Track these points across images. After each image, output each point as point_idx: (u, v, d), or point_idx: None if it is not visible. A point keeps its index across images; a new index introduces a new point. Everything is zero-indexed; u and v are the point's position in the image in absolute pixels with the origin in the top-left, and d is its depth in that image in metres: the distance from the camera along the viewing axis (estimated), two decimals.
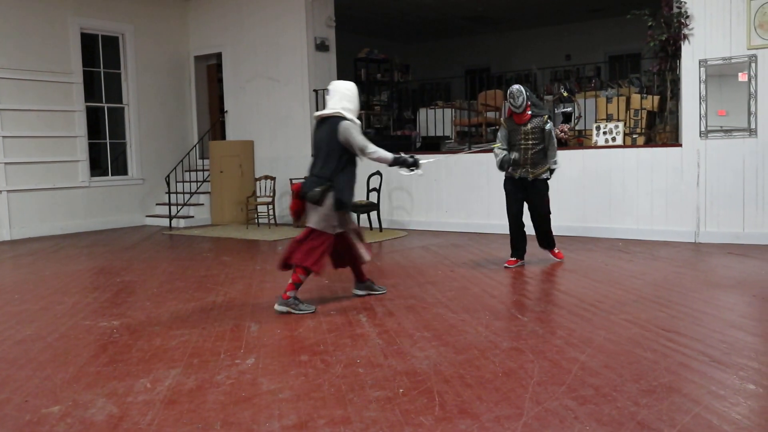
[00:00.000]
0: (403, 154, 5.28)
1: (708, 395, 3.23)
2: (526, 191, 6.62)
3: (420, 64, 16.99)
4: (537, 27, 16.09)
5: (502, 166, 6.56)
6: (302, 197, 5.11)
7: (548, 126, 6.46)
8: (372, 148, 5.04)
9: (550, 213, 6.78)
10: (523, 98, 6.41)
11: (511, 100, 6.47)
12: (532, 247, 7.01)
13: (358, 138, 4.99)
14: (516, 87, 6.46)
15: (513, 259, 6.76)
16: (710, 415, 2.99)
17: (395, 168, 5.32)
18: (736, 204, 7.82)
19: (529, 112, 6.48)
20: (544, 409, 3.11)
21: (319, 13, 11.33)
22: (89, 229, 11.03)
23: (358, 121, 5.13)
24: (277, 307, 5.11)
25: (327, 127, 5.08)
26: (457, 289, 5.85)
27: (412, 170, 5.29)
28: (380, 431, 2.92)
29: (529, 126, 6.46)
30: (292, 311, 5.06)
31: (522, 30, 16.34)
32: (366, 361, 3.88)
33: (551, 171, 6.61)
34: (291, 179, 10.82)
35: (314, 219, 5.08)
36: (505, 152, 6.56)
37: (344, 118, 5.03)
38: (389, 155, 5.17)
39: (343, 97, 5.13)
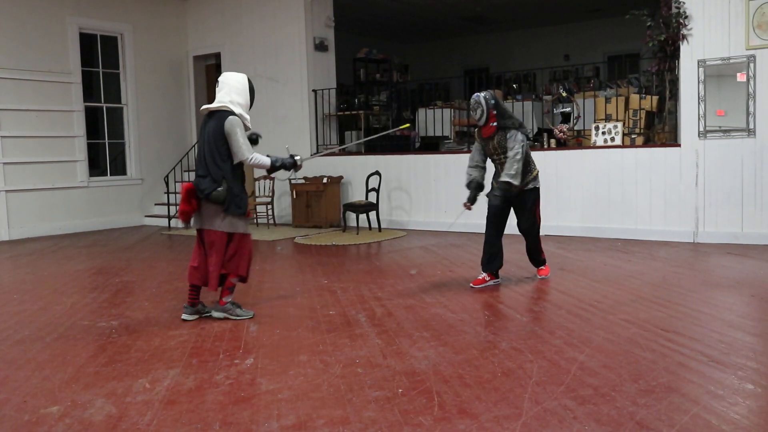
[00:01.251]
0: (279, 157, 4.98)
1: (706, 395, 3.23)
2: (512, 201, 5.93)
3: (419, 64, 17.01)
4: (536, 27, 16.10)
5: (468, 185, 5.93)
6: (204, 198, 4.76)
7: (509, 134, 5.67)
8: (251, 154, 4.75)
9: (536, 227, 6.04)
10: (482, 110, 5.65)
11: (472, 113, 5.80)
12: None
13: (240, 140, 4.70)
14: (474, 97, 5.73)
15: (481, 276, 5.94)
16: (709, 415, 2.99)
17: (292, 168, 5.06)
18: (735, 204, 7.83)
19: (494, 124, 5.69)
20: (543, 408, 3.11)
21: (318, 13, 11.33)
22: (88, 229, 11.02)
23: (247, 116, 4.83)
24: (214, 313, 4.97)
25: (214, 122, 4.77)
26: (455, 289, 5.85)
27: (293, 171, 5.09)
28: (379, 431, 2.93)
29: (495, 140, 5.74)
30: (230, 317, 4.93)
31: (521, 30, 16.35)
32: (365, 361, 3.88)
33: (502, 188, 5.71)
34: (290, 179, 10.83)
35: (219, 222, 4.83)
36: (473, 173, 5.91)
37: (232, 113, 4.74)
38: (268, 161, 4.87)
39: (232, 90, 4.79)
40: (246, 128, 4.84)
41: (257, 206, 11.06)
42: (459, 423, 2.98)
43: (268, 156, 4.94)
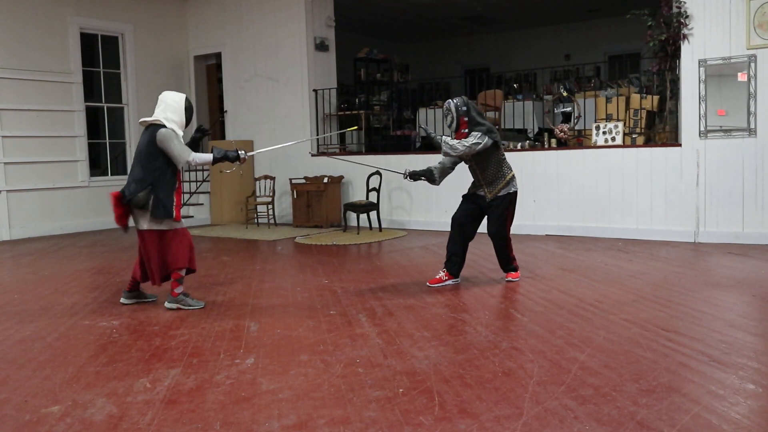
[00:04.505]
0: (223, 150, 5.29)
1: (707, 395, 3.23)
2: (484, 207, 5.87)
3: (419, 63, 17.00)
4: (536, 27, 16.10)
5: (412, 176, 5.91)
6: (127, 203, 5.14)
7: (473, 132, 5.62)
8: (191, 155, 5.10)
9: (504, 232, 5.89)
10: (452, 116, 5.67)
11: (443, 119, 5.86)
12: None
13: (177, 147, 5.06)
14: (446, 104, 5.74)
15: (439, 275, 5.92)
16: (710, 415, 2.99)
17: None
18: (736, 204, 7.83)
19: (465, 131, 5.67)
20: (543, 408, 3.11)
21: (319, 13, 11.33)
22: (89, 229, 11.03)
23: (181, 132, 5.16)
24: (166, 304, 5.27)
25: (147, 134, 5.16)
26: (456, 288, 5.84)
27: (236, 163, 5.41)
28: (380, 431, 2.93)
29: None
30: (183, 307, 5.24)
31: (521, 30, 16.34)
32: (366, 361, 3.88)
33: (439, 144, 5.68)
34: (291, 179, 10.83)
35: (147, 223, 5.19)
36: (436, 166, 5.92)
37: (163, 126, 5.10)
38: (209, 156, 5.24)
39: (167, 108, 5.17)
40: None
41: (258, 206, 11.06)
42: (460, 423, 2.98)
43: (212, 150, 5.34)
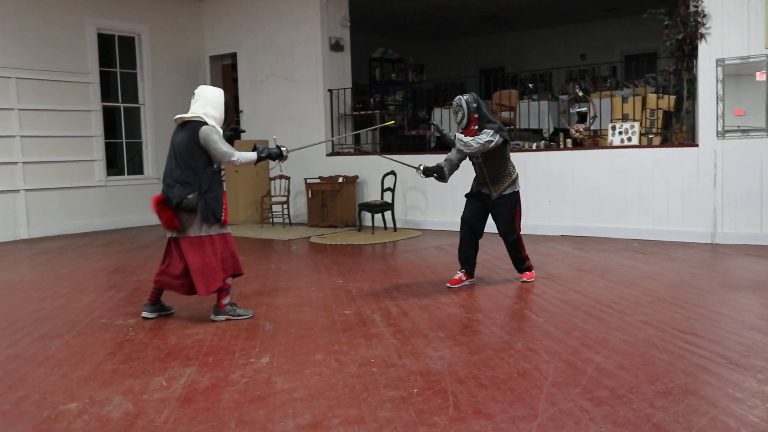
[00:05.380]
0: (266, 148, 5.02)
1: (725, 398, 3.20)
2: (489, 206, 5.92)
3: (434, 63, 16.97)
4: (552, 26, 16.03)
5: (425, 172, 5.89)
6: (175, 207, 4.74)
7: (484, 130, 5.65)
8: (235, 155, 4.78)
9: (515, 233, 5.91)
10: (463, 113, 5.69)
11: (453, 115, 5.84)
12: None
13: (221, 146, 4.74)
14: (456, 100, 5.76)
15: (458, 276, 5.95)
16: (727, 418, 2.96)
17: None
18: (754, 204, 7.75)
19: (475, 127, 5.70)
20: (558, 410, 3.10)
21: (334, 13, 11.35)
22: (105, 228, 11.12)
23: (220, 130, 4.86)
24: (213, 317, 4.91)
25: (187, 131, 4.79)
26: (471, 289, 5.83)
27: (278, 161, 5.15)
28: (394, 431, 2.93)
29: None
30: (231, 318, 4.91)
31: (537, 29, 16.28)
32: (380, 361, 3.88)
33: (448, 138, 5.71)
34: (305, 179, 10.85)
35: (198, 229, 4.80)
36: (444, 162, 5.91)
37: (204, 123, 4.77)
38: (253, 155, 4.92)
39: (207, 103, 4.85)
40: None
41: (273, 206, 11.09)
42: (474, 423, 2.98)
43: (254, 148, 4.99)
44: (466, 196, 6.07)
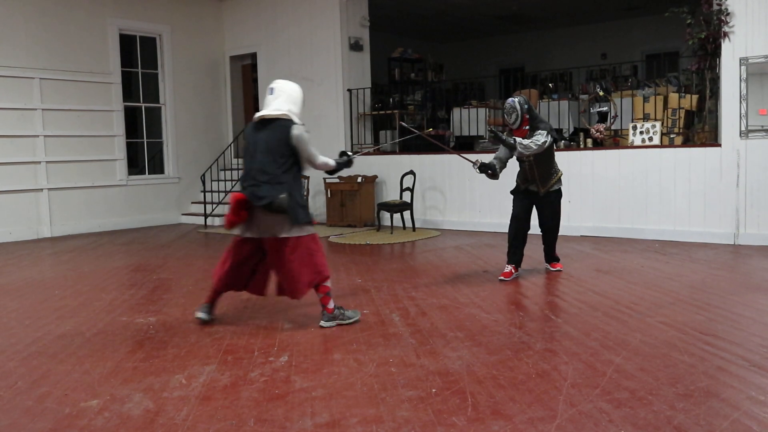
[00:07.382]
0: (336, 159, 5.01)
1: (747, 400, 3.16)
2: (536, 201, 6.23)
3: (454, 63, 16.93)
4: (572, 26, 15.92)
5: (482, 168, 5.93)
6: (265, 206, 4.51)
7: (537, 131, 5.87)
8: (321, 159, 4.76)
9: (558, 227, 6.39)
10: (517, 114, 5.87)
11: (506, 117, 5.99)
12: (561, 251, 6.93)
13: (311, 148, 4.65)
14: (509, 102, 5.93)
15: (508, 269, 6.17)
16: (749, 421, 2.93)
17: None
18: None
19: (527, 127, 5.92)
20: (578, 411, 3.08)
21: (353, 13, 11.36)
22: (126, 227, 11.23)
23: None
24: (323, 323, 4.69)
25: (273, 129, 4.58)
26: (490, 289, 5.82)
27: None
28: (412, 431, 2.92)
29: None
30: (342, 322, 4.70)
31: (557, 29, 16.18)
32: (398, 361, 3.88)
33: (512, 144, 5.83)
34: (324, 178, 10.88)
35: (288, 229, 4.58)
36: (495, 161, 6.04)
37: (292, 122, 4.60)
38: (333, 162, 4.91)
39: (289, 99, 4.67)
40: None
41: None
42: (493, 424, 2.97)
43: (341, 155, 5.08)
44: (512, 192, 6.31)
